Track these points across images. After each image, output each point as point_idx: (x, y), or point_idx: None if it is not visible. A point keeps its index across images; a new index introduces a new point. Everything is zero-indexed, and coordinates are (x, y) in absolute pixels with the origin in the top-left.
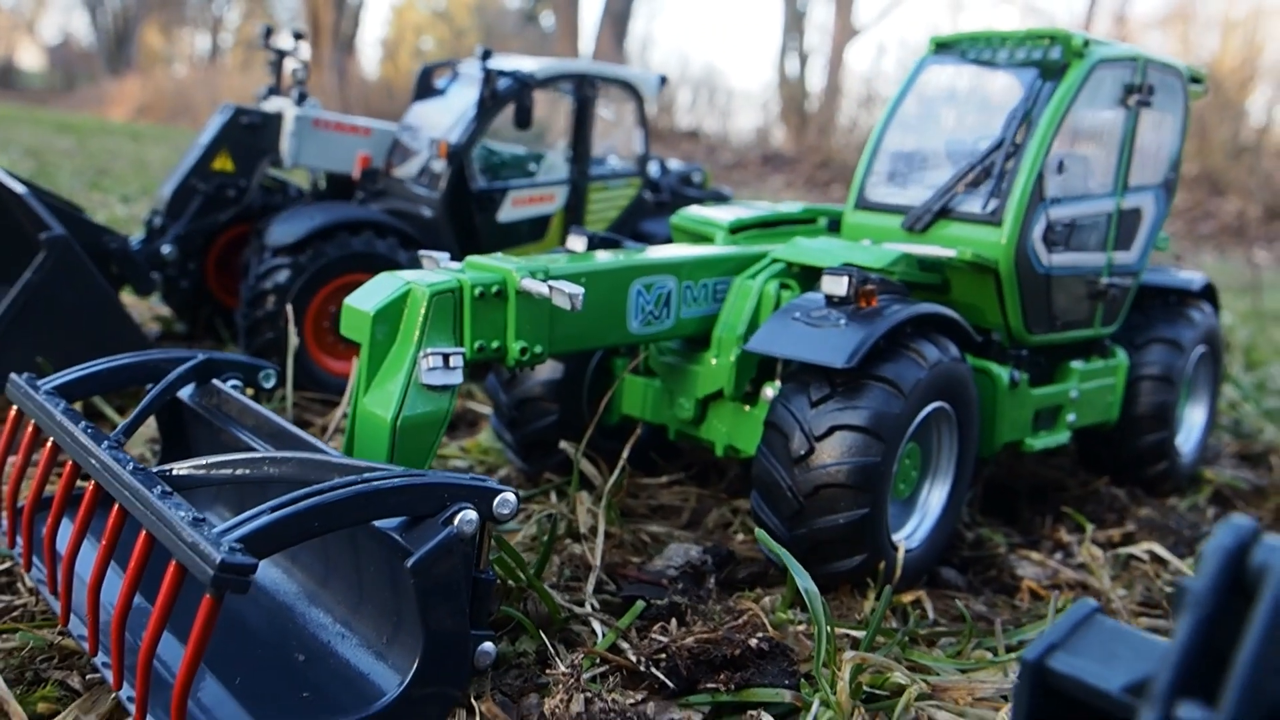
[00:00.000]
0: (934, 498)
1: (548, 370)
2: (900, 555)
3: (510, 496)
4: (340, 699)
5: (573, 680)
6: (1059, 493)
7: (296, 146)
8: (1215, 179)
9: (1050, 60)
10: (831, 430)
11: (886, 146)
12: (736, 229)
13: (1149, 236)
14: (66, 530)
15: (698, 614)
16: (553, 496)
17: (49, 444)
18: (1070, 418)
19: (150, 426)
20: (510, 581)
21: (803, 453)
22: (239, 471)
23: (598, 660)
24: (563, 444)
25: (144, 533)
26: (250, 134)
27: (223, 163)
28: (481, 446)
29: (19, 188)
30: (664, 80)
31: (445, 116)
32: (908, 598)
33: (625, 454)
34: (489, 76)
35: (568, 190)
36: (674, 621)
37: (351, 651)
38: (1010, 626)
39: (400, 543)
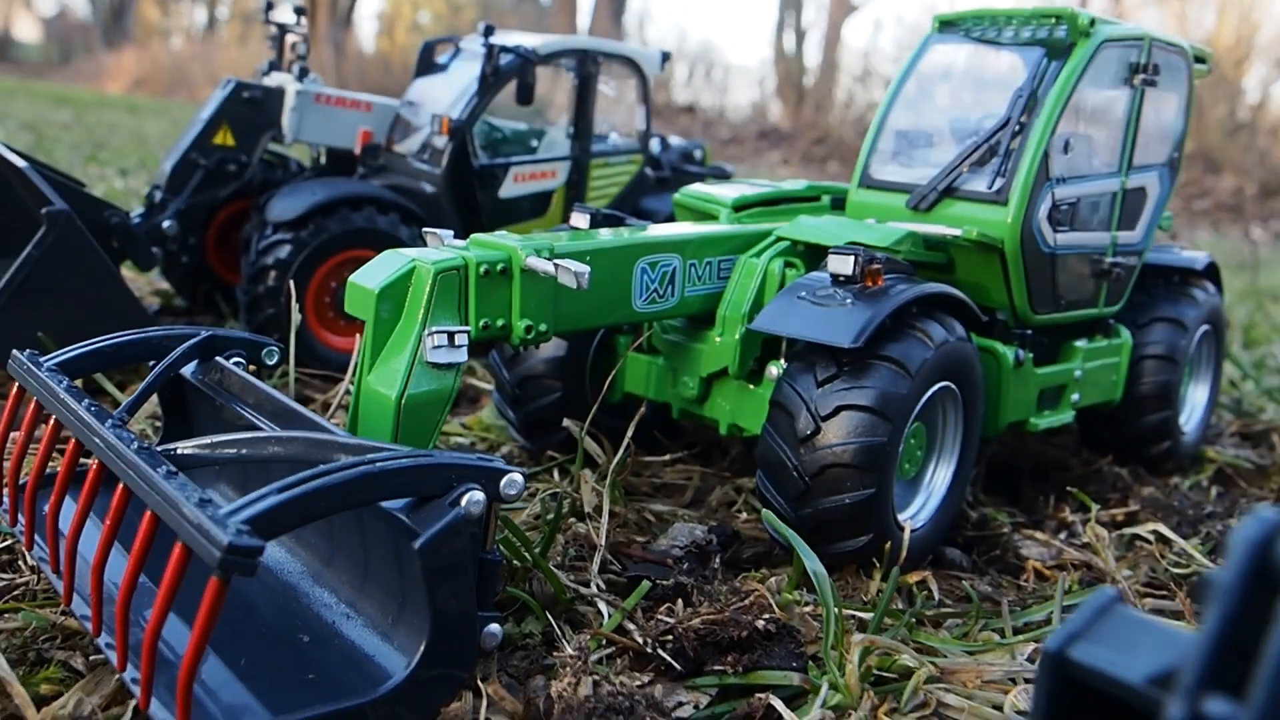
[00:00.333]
0: (939, 478)
1: (550, 348)
2: (906, 536)
3: (517, 477)
4: (347, 681)
5: (580, 663)
6: (1061, 472)
7: (297, 121)
8: (1211, 156)
9: (1056, 39)
10: (838, 410)
11: (891, 125)
12: (740, 207)
13: (1153, 216)
14: (68, 509)
15: (703, 595)
16: (555, 474)
17: (51, 421)
18: (1074, 397)
19: (152, 402)
20: (515, 561)
21: (809, 432)
22: (244, 451)
23: (604, 642)
24: (566, 422)
25: (149, 513)
26: (251, 109)
27: (223, 137)
28: (483, 423)
29: (20, 162)
30: (666, 56)
31: (447, 92)
32: (913, 578)
33: (629, 433)
34: (491, 52)
35: (569, 167)
36: (680, 602)
37: (357, 632)
38: (1016, 608)
39: (407, 524)
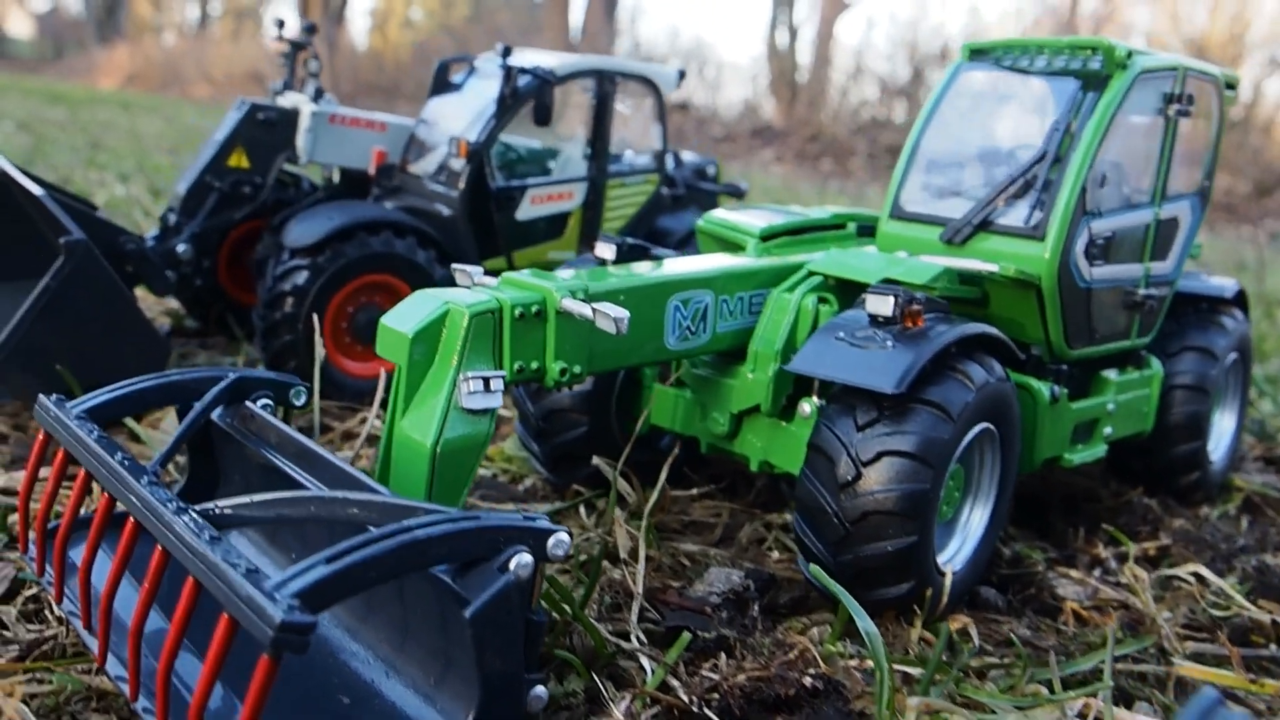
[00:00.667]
0: (975, 518)
1: None
2: (948, 582)
3: (564, 537)
4: None
5: None
6: (1091, 503)
7: (312, 142)
8: None
9: (1090, 70)
10: (879, 456)
11: (922, 155)
12: (768, 236)
13: (1185, 245)
14: (101, 560)
15: (746, 648)
16: (582, 510)
17: (81, 472)
18: (1107, 430)
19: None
20: (555, 614)
21: (849, 478)
22: (285, 511)
23: (648, 700)
24: (597, 461)
25: (191, 579)
26: (266, 130)
27: (238, 159)
28: (506, 454)
29: (36, 189)
30: (683, 74)
31: (463, 113)
32: (954, 625)
33: (663, 476)
34: (509, 74)
35: (586, 188)
36: (723, 656)
37: (398, 693)
38: (1061, 657)
39: (456, 590)
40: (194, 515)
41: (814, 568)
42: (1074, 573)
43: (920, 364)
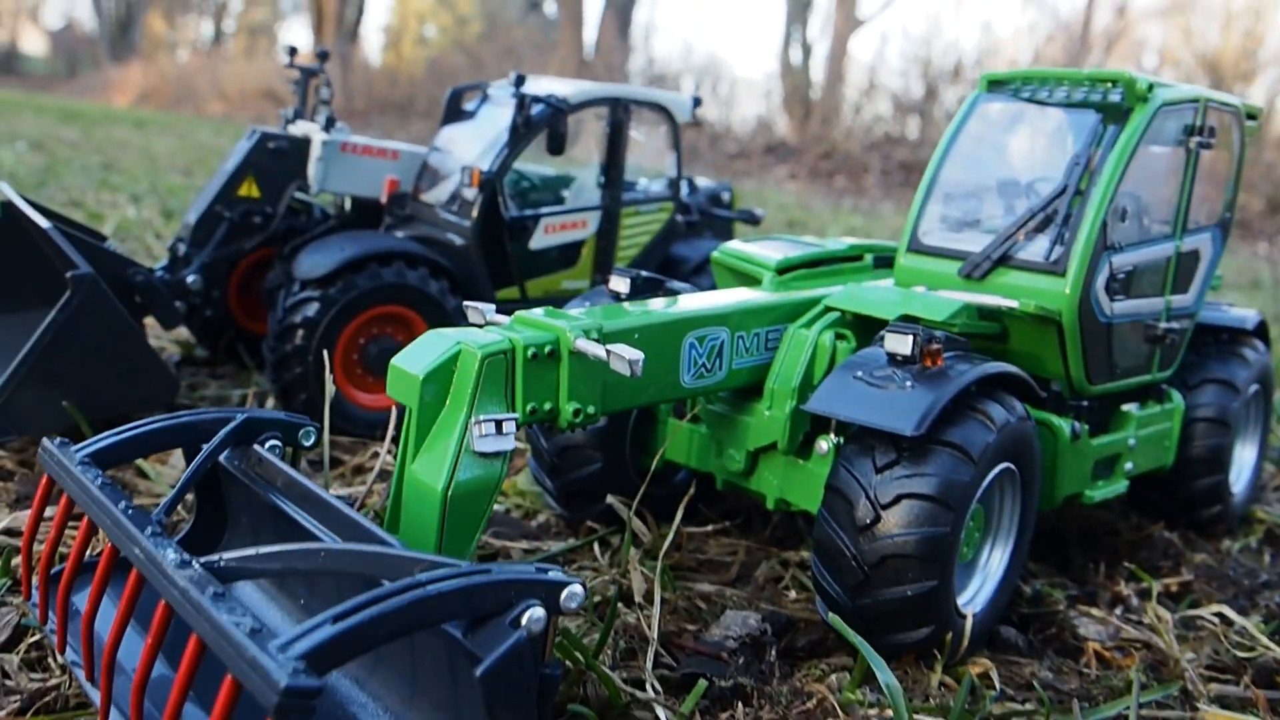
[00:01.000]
0: (995, 559)
1: None
2: (969, 626)
3: (578, 589)
4: None
5: None
6: (1110, 537)
7: (323, 172)
8: None
9: (1110, 103)
10: (899, 498)
11: (939, 188)
12: (784, 269)
13: (1205, 278)
14: (104, 608)
15: (764, 696)
16: (596, 547)
17: (85, 520)
18: (1128, 466)
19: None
20: (567, 662)
21: (868, 521)
22: (294, 564)
23: None
24: (611, 499)
25: (195, 637)
26: (277, 159)
27: (248, 189)
28: (519, 489)
29: (44, 222)
30: (698, 101)
31: (476, 141)
32: (975, 670)
33: (679, 516)
34: (522, 103)
35: (600, 216)
36: (739, 705)
37: None
38: (1085, 704)
39: (468, 647)
40: (198, 569)
41: (834, 617)
42: (1095, 611)
43: (940, 405)
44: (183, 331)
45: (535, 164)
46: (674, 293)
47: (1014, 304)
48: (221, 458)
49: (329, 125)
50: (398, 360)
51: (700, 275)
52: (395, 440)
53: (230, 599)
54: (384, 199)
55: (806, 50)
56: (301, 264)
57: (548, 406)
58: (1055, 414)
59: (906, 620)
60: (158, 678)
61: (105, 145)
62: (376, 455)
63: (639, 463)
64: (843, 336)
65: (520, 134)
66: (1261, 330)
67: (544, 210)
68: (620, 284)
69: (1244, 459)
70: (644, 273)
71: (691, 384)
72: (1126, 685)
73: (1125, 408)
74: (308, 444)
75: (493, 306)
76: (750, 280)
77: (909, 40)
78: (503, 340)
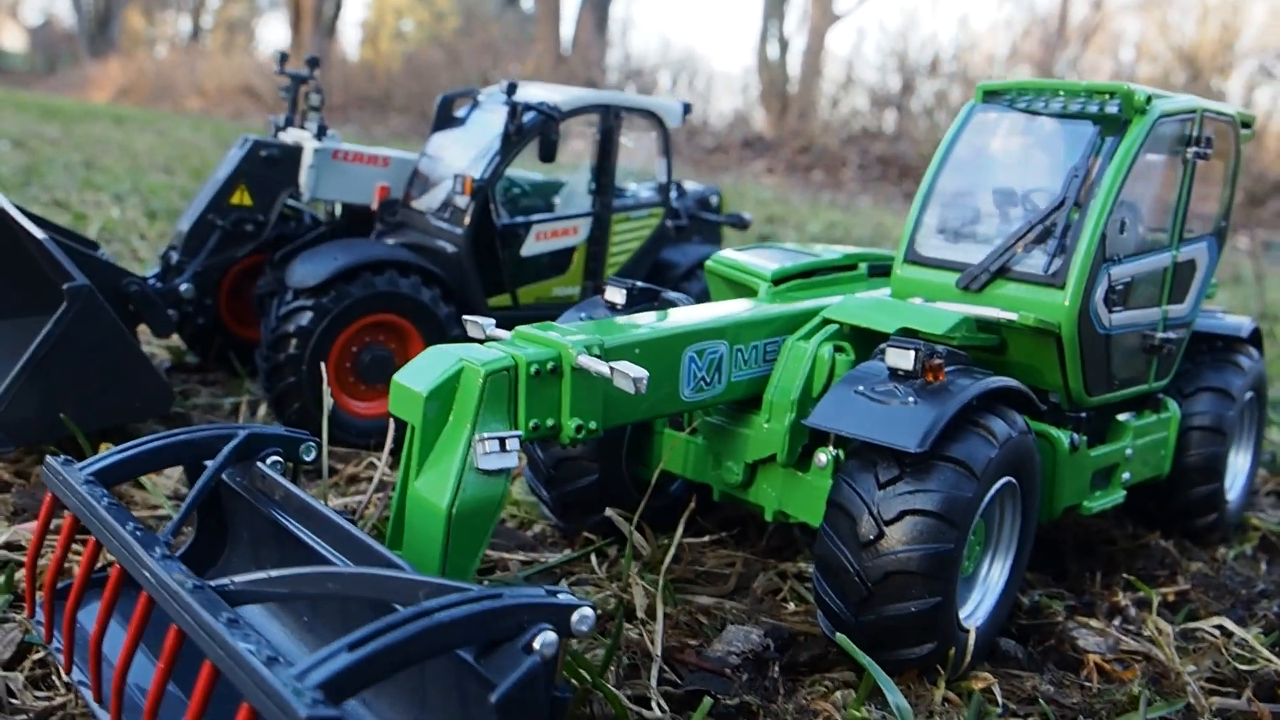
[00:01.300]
0: (995, 572)
1: None
2: (971, 641)
3: (588, 612)
4: None
5: None
6: (1107, 546)
7: (315, 179)
8: None
9: (1107, 114)
10: (902, 515)
11: (935, 198)
12: (779, 279)
13: (1201, 287)
14: (113, 629)
15: (769, 714)
16: (594, 559)
17: (91, 540)
18: (1125, 476)
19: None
20: (573, 681)
21: (871, 537)
22: (304, 588)
23: None
24: (610, 513)
25: (209, 664)
26: (269, 167)
27: (240, 197)
28: (514, 498)
29: (39, 233)
30: (688, 108)
31: (467, 149)
32: (978, 684)
33: (679, 531)
34: (514, 110)
35: (591, 223)
36: None
37: None
38: None
39: (480, 672)
40: (210, 593)
41: (842, 637)
42: (1094, 622)
43: (943, 421)
44: (173, 337)
45: (524, 169)
46: (670, 304)
47: (1013, 317)
48: (224, 475)
49: (321, 133)
50: (400, 377)
51: (689, 280)
52: (394, 454)
53: (243, 625)
54: (375, 206)
55: (783, 45)
56: (294, 273)
57: (550, 423)
58: (1054, 426)
59: (910, 636)
60: (168, 701)
61: (86, 143)
62: (373, 466)
63: (636, 474)
64: (841, 349)
65: (512, 142)
66: (1255, 338)
67: (535, 217)
68: (616, 294)
69: (1238, 466)
70: (639, 283)
71: (691, 397)
72: (1129, 699)
73: (1122, 418)
74: (309, 459)
75: (492, 321)
76: (745, 290)
77: (885, 34)
78: (505, 357)
